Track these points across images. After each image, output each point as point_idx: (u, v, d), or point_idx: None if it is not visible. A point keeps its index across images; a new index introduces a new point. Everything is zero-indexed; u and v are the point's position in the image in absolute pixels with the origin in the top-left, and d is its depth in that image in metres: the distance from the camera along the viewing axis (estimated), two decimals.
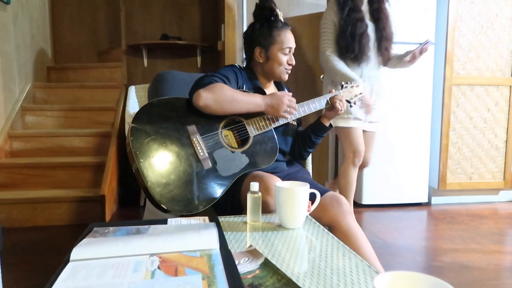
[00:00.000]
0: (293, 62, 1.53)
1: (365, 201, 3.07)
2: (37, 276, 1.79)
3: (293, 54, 1.53)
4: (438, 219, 2.75)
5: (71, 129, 3.25)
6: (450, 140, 3.12)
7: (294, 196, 1.07)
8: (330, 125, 1.60)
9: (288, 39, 1.50)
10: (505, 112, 3.17)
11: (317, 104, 1.55)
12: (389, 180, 3.07)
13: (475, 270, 1.90)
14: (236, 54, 3.29)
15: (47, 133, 3.10)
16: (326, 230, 1.08)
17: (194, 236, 0.92)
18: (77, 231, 2.49)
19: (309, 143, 1.60)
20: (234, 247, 0.94)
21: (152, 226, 1.04)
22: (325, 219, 1.34)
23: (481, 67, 3.11)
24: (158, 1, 3.94)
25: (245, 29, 3.43)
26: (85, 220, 2.63)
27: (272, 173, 1.45)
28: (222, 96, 1.33)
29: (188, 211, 1.28)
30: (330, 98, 1.56)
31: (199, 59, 3.88)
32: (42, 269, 1.87)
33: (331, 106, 1.54)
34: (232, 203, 1.40)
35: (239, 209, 1.37)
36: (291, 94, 1.46)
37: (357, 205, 3.10)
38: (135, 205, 3.07)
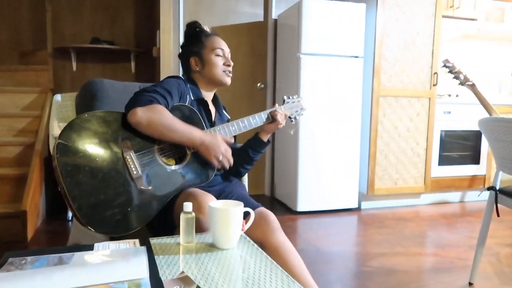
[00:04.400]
0: (231, 63, 1.55)
1: (300, 208, 3.15)
2: None
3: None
4: (367, 224, 2.91)
5: None
6: (377, 148, 3.31)
7: (228, 217, 1.06)
8: (269, 141, 1.62)
9: (218, 41, 1.55)
10: (425, 122, 3.44)
11: (258, 119, 1.55)
12: (322, 187, 3.19)
13: (400, 274, 2.03)
14: (171, 61, 3.22)
15: None
16: (260, 250, 1.09)
17: (122, 265, 0.88)
18: None
19: (247, 159, 1.60)
20: (166, 273, 0.92)
21: (77, 254, 0.97)
22: (255, 236, 1.34)
23: (405, 80, 3.34)
24: (88, 2, 3.74)
25: (181, 35, 3.38)
26: (4, 238, 2.42)
27: (207, 188, 1.43)
28: (157, 121, 1.28)
29: (117, 233, 1.22)
30: (271, 112, 1.56)
31: (133, 64, 3.74)
32: None
33: (272, 119, 1.56)
34: (164, 222, 1.36)
35: (173, 227, 1.34)
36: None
37: (293, 212, 3.18)
38: (63, 219, 2.88)
